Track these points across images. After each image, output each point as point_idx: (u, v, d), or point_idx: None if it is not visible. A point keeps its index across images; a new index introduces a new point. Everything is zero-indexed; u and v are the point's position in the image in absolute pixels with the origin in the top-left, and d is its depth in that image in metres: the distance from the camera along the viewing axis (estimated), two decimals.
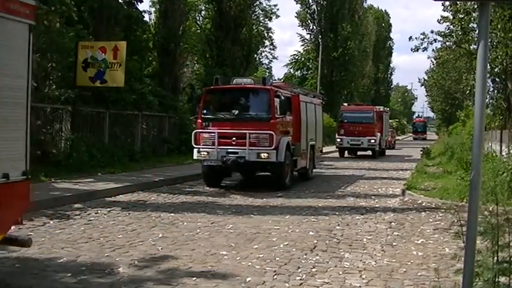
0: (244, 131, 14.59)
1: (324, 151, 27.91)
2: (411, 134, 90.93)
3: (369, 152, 32.95)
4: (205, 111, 15.50)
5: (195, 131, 15.69)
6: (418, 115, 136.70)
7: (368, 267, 7.14)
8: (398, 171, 23.27)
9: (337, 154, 33.36)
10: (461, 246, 4.11)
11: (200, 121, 15.47)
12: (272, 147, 14.53)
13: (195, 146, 15.22)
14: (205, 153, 14.95)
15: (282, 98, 15.48)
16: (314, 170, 19.61)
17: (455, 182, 14.67)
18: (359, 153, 33.58)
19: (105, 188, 13.53)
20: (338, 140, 32.58)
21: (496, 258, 4.46)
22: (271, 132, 14.53)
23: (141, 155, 21.39)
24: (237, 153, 14.66)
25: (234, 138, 14.75)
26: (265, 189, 14.95)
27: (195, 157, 15.39)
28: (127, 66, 18.62)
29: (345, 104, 37.17)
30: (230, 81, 16.70)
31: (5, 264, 6.77)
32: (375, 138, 31.98)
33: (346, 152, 33.34)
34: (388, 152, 37.85)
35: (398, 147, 48.35)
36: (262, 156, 14.53)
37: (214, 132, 14.90)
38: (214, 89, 16.12)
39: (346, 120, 32.69)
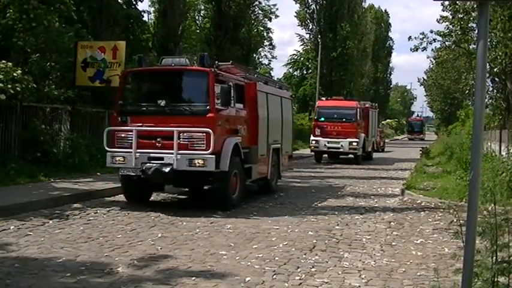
0: (172, 129, 10.92)
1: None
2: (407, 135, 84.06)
3: (351, 156, 28.02)
4: (122, 102, 11.88)
5: (107, 128, 12.02)
6: (418, 115, 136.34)
7: (367, 267, 7.14)
8: (398, 171, 23.29)
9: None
10: (461, 246, 4.11)
11: (116, 115, 11.75)
12: (209, 151, 10.70)
13: (107, 149, 11.55)
14: (121, 158, 11.29)
15: (229, 84, 11.73)
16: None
17: (455, 182, 14.68)
18: (342, 157, 28.44)
19: (105, 187, 13.52)
20: (313, 142, 27.02)
21: (495, 258, 4.46)
22: (209, 129, 10.71)
23: None
24: (161, 159, 10.97)
25: (159, 139, 11.12)
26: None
27: (108, 164, 11.72)
28: (127, 65, 18.61)
29: (323, 99, 31.40)
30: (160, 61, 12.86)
31: (4, 264, 6.76)
32: (357, 140, 26.62)
33: (327, 156, 28.68)
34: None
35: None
36: (197, 164, 10.76)
37: (132, 130, 11.18)
38: (135, 72, 12.45)
39: (322, 118, 27.31)
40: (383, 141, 42.61)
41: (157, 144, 11.11)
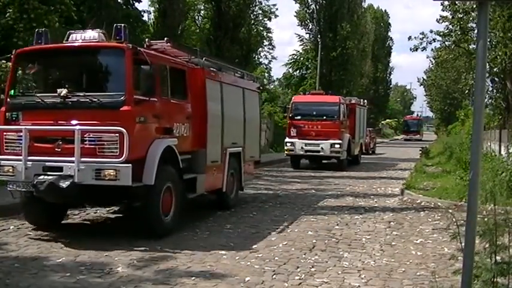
0: (72, 128, 7.95)
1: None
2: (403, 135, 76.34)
3: (334, 161, 23.48)
4: (13, 93, 8.73)
5: None
6: (417, 114, 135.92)
7: (367, 266, 7.14)
8: (398, 171, 23.29)
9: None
10: (459, 246, 4.11)
11: (4, 110, 8.64)
12: (123, 158, 7.79)
13: None
14: (9, 168, 8.28)
15: (159, 68, 8.77)
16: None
17: (454, 182, 14.68)
18: (325, 162, 24.05)
19: None
20: (288, 144, 22.82)
21: (494, 259, 4.46)
22: (121, 128, 7.82)
23: None
24: (60, 169, 7.95)
25: (59, 142, 8.12)
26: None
27: None
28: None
29: (303, 93, 27.33)
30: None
31: (4, 264, 6.76)
32: (340, 141, 22.32)
33: (308, 160, 24.49)
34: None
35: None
36: (106, 176, 7.80)
37: (21, 131, 8.21)
38: (29, 51, 9.13)
39: (299, 116, 23.05)
40: (373, 142, 38.80)
41: (56, 148, 8.12)
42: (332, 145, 22.20)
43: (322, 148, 22.27)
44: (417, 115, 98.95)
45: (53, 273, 6.45)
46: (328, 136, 22.10)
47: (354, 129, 25.75)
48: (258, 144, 13.97)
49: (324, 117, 22.59)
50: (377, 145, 46.30)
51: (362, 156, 28.43)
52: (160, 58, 9.18)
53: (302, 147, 22.48)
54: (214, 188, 11.00)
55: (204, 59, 10.96)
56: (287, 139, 23.01)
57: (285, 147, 23.21)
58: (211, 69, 11.03)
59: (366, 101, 31.88)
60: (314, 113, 22.81)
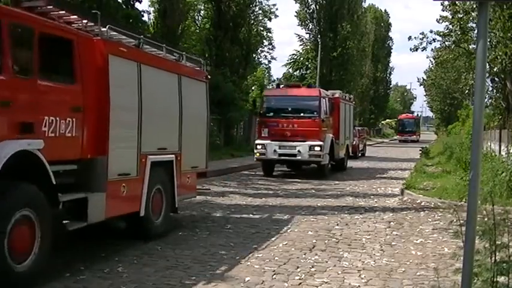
0: None
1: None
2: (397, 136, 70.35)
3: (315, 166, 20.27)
4: None
5: None
6: (418, 114, 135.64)
7: (367, 266, 7.15)
8: (398, 171, 23.29)
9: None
10: (460, 246, 4.11)
11: None
12: None
13: None
14: None
15: (14, 29, 5.81)
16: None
17: (454, 182, 14.68)
18: (305, 167, 21.38)
19: None
20: (258, 147, 19.26)
21: (494, 258, 4.47)
22: None
23: None
24: None
25: None
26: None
27: None
28: None
29: (278, 86, 22.62)
30: None
31: None
32: (320, 143, 18.75)
33: (285, 165, 21.28)
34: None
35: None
36: None
37: None
38: None
39: (271, 113, 19.68)
40: (363, 144, 34.89)
41: None
42: (311, 147, 18.56)
43: (299, 151, 18.57)
44: (417, 114, 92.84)
45: (52, 273, 6.44)
46: (306, 137, 18.66)
47: (338, 128, 21.61)
48: (204, 150, 10.51)
49: (302, 114, 19.19)
50: (377, 145, 45.88)
51: (350, 159, 25.47)
52: (21, 17, 6.09)
53: (275, 151, 18.81)
54: (125, 212, 7.93)
55: (108, 27, 7.70)
56: (257, 140, 19.50)
57: (255, 151, 19.39)
58: (122, 42, 8.20)
59: (352, 96, 27.94)
60: (289, 109, 19.40)
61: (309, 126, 18.89)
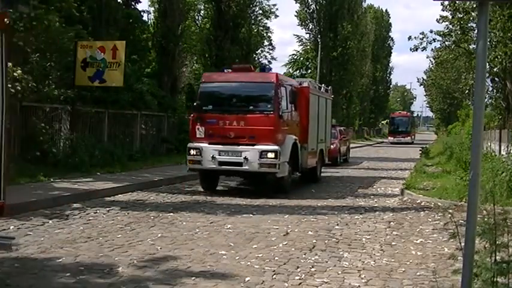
0: None
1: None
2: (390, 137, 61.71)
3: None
4: None
5: None
6: (417, 114, 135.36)
7: (367, 266, 7.14)
8: (397, 171, 23.28)
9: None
10: (459, 246, 4.11)
11: None
12: None
13: None
14: None
15: None
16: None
17: (454, 182, 14.68)
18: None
19: (104, 187, 13.52)
20: (192, 151, 14.23)
21: (494, 258, 4.46)
22: None
23: (140, 154, 21.40)
24: None
25: None
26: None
27: None
28: (127, 67, 18.63)
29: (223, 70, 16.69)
30: None
31: (4, 264, 6.76)
32: (275, 148, 13.74)
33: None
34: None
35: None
36: None
37: None
38: None
39: (210, 106, 14.54)
40: (347, 146, 28.96)
41: None
42: (263, 154, 13.49)
43: (246, 159, 13.53)
44: (411, 112, 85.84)
45: (53, 273, 6.45)
46: (256, 139, 13.69)
47: (306, 128, 16.16)
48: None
49: (251, 108, 14.05)
50: (377, 145, 45.23)
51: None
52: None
53: (214, 157, 13.73)
54: None
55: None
56: (190, 144, 14.27)
57: (187, 157, 14.28)
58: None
59: (330, 88, 21.57)
60: (234, 100, 14.47)
61: (260, 124, 13.70)
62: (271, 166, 13.64)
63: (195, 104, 14.77)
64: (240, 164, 13.72)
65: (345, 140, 28.48)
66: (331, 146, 22.33)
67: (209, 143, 13.99)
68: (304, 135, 15.95)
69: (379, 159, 30.99)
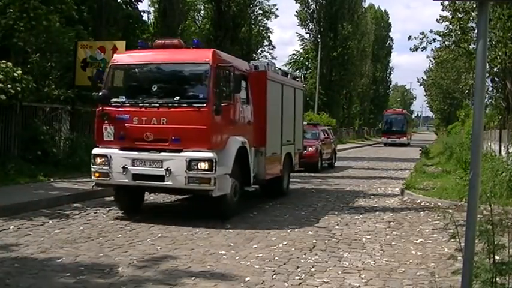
0: None
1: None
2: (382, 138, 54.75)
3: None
4: None
5: None
6: (417, 114, 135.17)
7: (367, 266, 7.15)
8: (397, 171, 23.27)
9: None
10: (459, 246, 4.11)
11: None
12: None
13: None
14: None
15: None
16: None
17: (454, 182, 14.69)
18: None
19: None
20: (97, 159, 10.31)
21: (493, 259, 4.47)
22: None
23: None
24: None
25: None
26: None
27: None
28: None
29: (144, 47, 11.61)
30: None
31: (3, 264, 6.76)
32: (210, 155, 9.68)
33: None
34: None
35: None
36: None
37: None
38: None
39: (122, 98, 10.51)
40: (332, 150, 24.55)
41: None
42: (191, 163, 9.68)
43: (168, 170, 9.73)
44: (415, 113, 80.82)
45: (53, 273, 6.45)
46: (183, 142, 9.87)
47: (262, 126, 12.17)
48: None
49: (177, 99, 9.98)
50: (377, 145, 44.81)
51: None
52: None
53: (125, 168, 9.98)
54: None
55: None
56: (96, 149, 10.49)
57: (92, 168, 10.45)
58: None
59: (300, 75, 18.67)
60: (154, 88, 10.31)
61: (189, 121, 9.79)
62: (204, 181, 9.64)
63: (100, 94, 10.56)
64: (160, 178, 9.78)
65: (328, 142, 23.90)
66: (309, 149, 20.12)
67: (120, 149, 10.16)
68: (259, 136, 11.99)
69: (379, 159, 30.96)
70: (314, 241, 8.60)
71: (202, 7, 42.78)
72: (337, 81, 50.55)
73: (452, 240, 4.82)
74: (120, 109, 10.32)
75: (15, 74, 13.52)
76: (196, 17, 45.00)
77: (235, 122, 10.87)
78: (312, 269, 6.93)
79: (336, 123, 46.77)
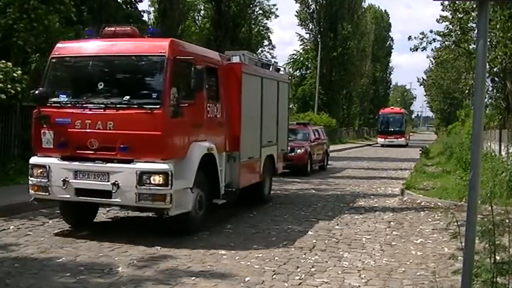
0: None
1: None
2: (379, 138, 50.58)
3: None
4: None
5: None
6: (418, 114, 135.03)
7: (367, 266, 7.14)
8: (398, 171, 23.26)
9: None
10: (459, 246, 4.11)
11: None
12: None
13: None
14: None
15: None
16: None
17: (454, 182, 14.68)
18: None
19: None
20: (35, 171, 8.67)
21: (493, 259, 4.47)
22: None
23: None
24: None
25: None
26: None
27: None
28: None
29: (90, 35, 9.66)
30: None
31: (3, 264, 6.76)
32: (164, 167, 8.08)
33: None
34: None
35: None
36: None
37: None
38: None
39: (63, 97, 8.87)
40: (323, 152, 22.51)
41: None
42: (143, 177, 8.12)
43: (116, 185, 8.16)
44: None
45: (53, 273, 6.45)
46: (133, 151, 8.26)
47: (236, 128, 10.57)
48: None
49: (126, 99, 8.41)
50: (377, 145, 44.67)
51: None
52: None
53: (66, 181, 8.40)
54: None
55: None
56: (34, 158, 8.90)
57: (29, 180, 8.85)
58: None
59: (284, 68, 16.79)
60: (101, 86, 8.79)
61: (140, 126, 8.21)
62: (158, 198, 8.10)
63: (36, 92, 8.94)
64: (106, 194, 8.21)
65: (319, 143, 21.81)
66: (298, 151, 18.85)
67: (61, 158, 8.59)
68: (232, 140, 10.47)
69: (379, 159, 30.95)
70: (314, 241, 8.60)
71: (202, 7, 42.80)
72: (337, 81, 50.55)
73: (452, 240, 4.81)
74: (61, 111, 8.62)
75: (15, 74, 13.51)
76: (196, 17, 45.02)
77: (199, 125, 9.09)
78: (312, 269, 6.93)
79: (336, 123, 46.80)
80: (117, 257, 7.27)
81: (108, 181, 8.16)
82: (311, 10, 49.72)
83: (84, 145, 8.36)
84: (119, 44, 8.96)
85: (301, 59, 56.99)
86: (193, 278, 6.40)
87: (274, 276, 6.59)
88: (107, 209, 10.67)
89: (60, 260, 7.02)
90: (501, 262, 4.47)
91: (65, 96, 8.89)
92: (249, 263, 7.15)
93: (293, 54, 58.47)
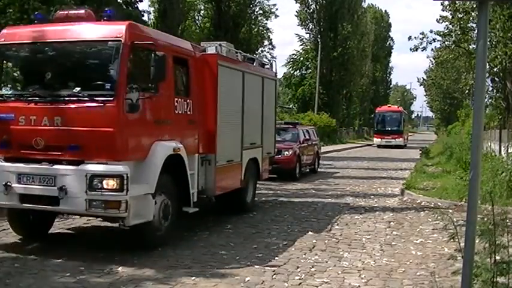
0: None
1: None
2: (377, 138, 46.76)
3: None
4: None
5: None
6: (418, 114, 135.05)
7: (367, 266, 7.15)
8: (398, 171, 23.25)
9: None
10: (459, 247, 4.12)
11: None
12: None
13: None
14: None
15: None
16: None
17: (454, 182, 14.67)
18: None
19: None
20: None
21: (493, 258, 4.47)
22: None
23: None
24: None
25: None
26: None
27: None
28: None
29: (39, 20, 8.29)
30: None
31: (3, 264, 6.76)
32: (119, 170, 7.01)
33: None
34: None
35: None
36: None
37: None
38: None
39: (6, 89, 8.11)
40: (314, 153, 20.74)
41: None
42: (94, 180, 6.99)
43: (63, 190, 7.04)
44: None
45: (53, 273, 6.45)
46: (84, 150, 7.24)
47: (211, 127, 9.48)
48: None
49: (76, 91, 7.33)
50: (376, 145, 44.71)
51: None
52: None
53: (9, 186, 7.32)
54: None
55: None
56: None
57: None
58: None
59: (272, 62, 14.14)
60: (48, 76, 7.79)
61: (91, 121, 7.25)
62: (111, 206, 7.03)
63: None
64: (53, 201, 7.15)
65: (309, 145, 20.04)
66: (285, 153, 17.34)
67: (4, 159, 7.64)
68: (207, 140, 9.38)
69: (379, 159, 30.94)
70: (314, 241, 8.60)
71: (202, 7, 42.78)
72: (337, 81, 50.51)
73: (452, 240, 4.82)
74: (3, 105, 7.69)
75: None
76: (196, 17, 44.99)
77: (163, 122, 8.05)
78: (312, 269, 6.93)
79: (336, 123, 46.76)
80: (117, 257, 7.25)
81: (54, 185, 7.09)
82: (311, 10, 49.69)
83: (29, 144, 7.36)
84: (71, 29, 7.77)
85: (301, 59, 56.95)
86: (193, 278, 6.40)
87: (274, 276, 6.59)
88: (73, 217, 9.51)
89: (60, 260, 7.01)
90: (501, 262, 4.47)
91: (8, 88, 8.04)
92: (249, 263, 7.15)
93: (293, 54, 58.43)
